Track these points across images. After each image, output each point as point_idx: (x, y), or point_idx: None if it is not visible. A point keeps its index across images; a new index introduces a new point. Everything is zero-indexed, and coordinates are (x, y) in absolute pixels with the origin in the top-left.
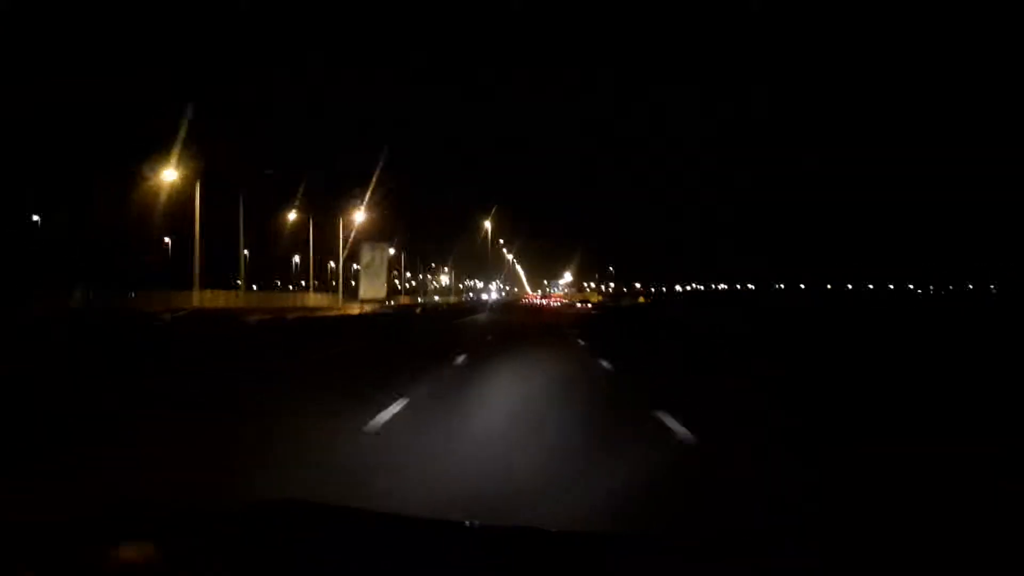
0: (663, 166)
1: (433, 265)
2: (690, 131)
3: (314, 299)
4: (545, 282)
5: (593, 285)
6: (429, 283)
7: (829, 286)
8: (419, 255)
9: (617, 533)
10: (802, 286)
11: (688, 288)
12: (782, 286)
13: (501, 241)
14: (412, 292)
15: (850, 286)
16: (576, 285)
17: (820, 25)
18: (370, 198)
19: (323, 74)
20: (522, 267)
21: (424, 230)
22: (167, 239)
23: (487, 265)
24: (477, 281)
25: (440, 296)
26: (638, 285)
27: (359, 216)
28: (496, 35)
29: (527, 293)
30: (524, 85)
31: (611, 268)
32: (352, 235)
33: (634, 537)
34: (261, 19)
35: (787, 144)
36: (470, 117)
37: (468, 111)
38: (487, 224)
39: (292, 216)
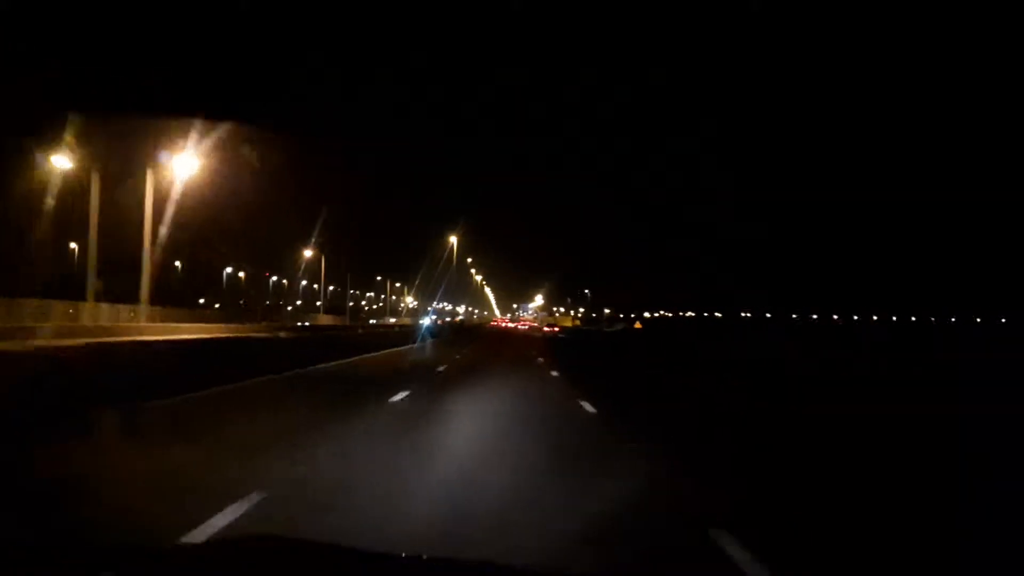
0: (646, 191)
1: (380, 279)
2: (678, 153)
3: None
4: (515, 306)
5: (563, 310)
6: (399, 304)
7: (812, 315)
8: (374, 271)
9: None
10: (768, 315)
11: (656, 315)
12: (749, 314)
13: (469, 260)
14: (378, 314)
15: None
16: (546, 309)
17: (815, 42)
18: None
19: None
20: (492, 290)
21: (389, 249)
22: None
23: (453, 287)
24: (446, 304)
25: (398, 319)
26: (607, 311)
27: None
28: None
29: (495, 317)
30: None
31: (587, 292)
32: None
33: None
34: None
35: (772, 171)
36: (449, 134)
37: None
38: (453, 239)
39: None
